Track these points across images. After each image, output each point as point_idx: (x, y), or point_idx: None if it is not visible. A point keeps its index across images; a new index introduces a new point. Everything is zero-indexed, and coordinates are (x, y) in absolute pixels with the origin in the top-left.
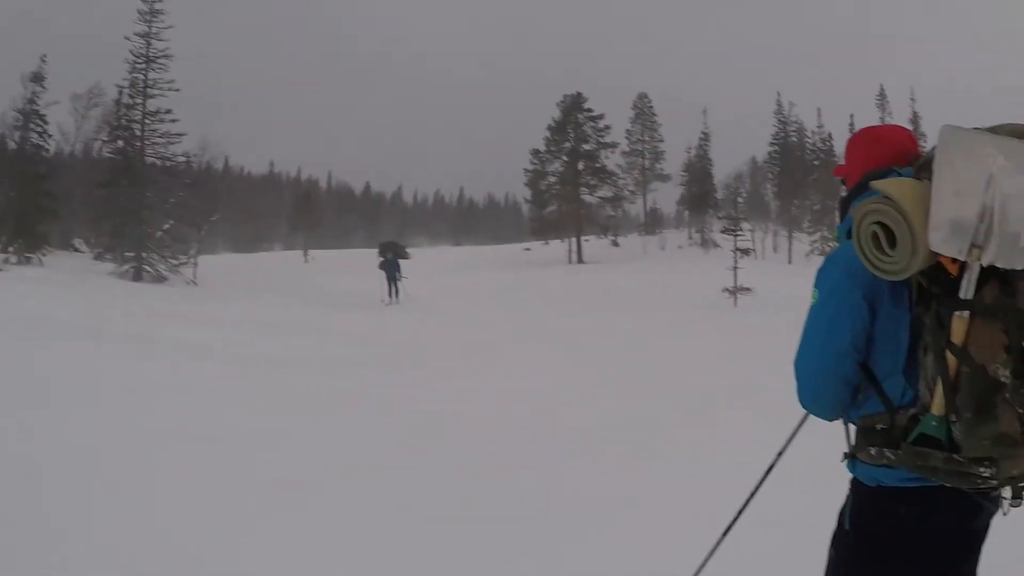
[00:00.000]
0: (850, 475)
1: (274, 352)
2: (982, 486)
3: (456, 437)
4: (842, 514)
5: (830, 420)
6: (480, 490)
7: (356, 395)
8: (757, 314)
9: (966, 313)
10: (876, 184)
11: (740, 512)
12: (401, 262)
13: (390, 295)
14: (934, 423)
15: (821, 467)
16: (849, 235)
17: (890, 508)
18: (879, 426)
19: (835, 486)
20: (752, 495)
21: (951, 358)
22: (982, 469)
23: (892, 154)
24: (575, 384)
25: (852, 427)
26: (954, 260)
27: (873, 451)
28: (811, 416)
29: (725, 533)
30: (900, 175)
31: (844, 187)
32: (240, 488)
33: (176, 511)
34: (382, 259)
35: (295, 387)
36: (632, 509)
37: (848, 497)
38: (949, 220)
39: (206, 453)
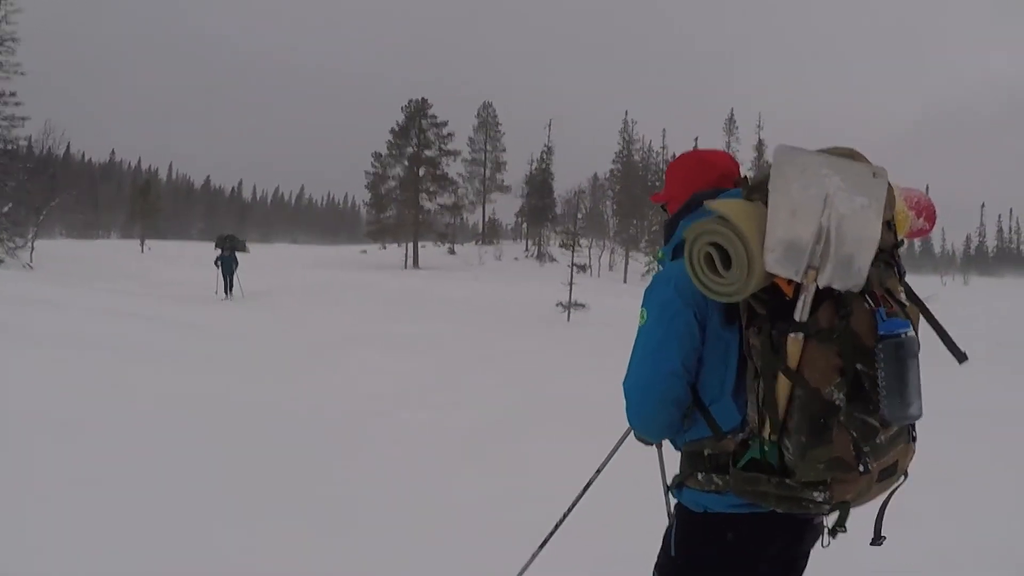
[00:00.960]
0: (673, 500)
1: (95, 338)
2: (813, 511)
3: (266, 435)
4: (667, 540)
5: (657, 441)
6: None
7: (179, 390)
8: (589, 329)
9: (801, 335)
10: (711, 204)
11: (557, 526)
12: (239, 255)
13: (226, 290)
14: (765, 448)
15: (642, 486)
16: (675, 256)
17: (717, 535)
18: (707, 451)
19: (653, 506)
20: (569, 510)
21: (783, 381)
22: (815, 494)
23: (717, 176)
24: (408, 389)
25: (673, 452)
26: (789, 282)
27: (701, 476)
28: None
29: (542, 545)
30: (728, 196)
31: (665, 211)
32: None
33: None
34: (219, 252)
35: (106, 375)
36: (452, 518)
37: (672, 523)
38: (785, 241)
39: None
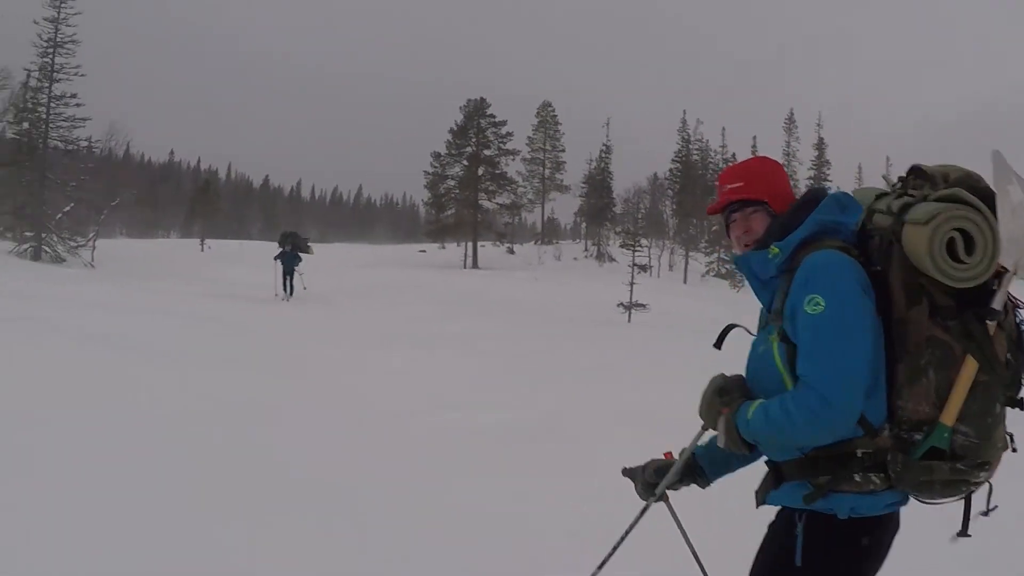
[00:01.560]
0: (782, 508)
1: (164, 340)
2: (964, 493)
3: (310, 435)
4: (785, 550)
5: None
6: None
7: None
8: (650, 331)
9: (994, 323)
10: (959, 192)
11: (615, 548)
12: (301, 256)
13: (285, 289)
14: (945, 434)
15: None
16: (803, 246)
17: (853, 540)
18: (859, 451)
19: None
20: (630, 528)
21: (971, 366)
22: (982, 474)
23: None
24: (469, 389)
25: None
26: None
27: (858, 478)
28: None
29: (611, 553)
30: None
31: (753, 208)
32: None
33: None
34: (280, 250)
35: (174, 379)
36: (517, 520)
37: (800, 535)
38: (1009, 235)
39: None
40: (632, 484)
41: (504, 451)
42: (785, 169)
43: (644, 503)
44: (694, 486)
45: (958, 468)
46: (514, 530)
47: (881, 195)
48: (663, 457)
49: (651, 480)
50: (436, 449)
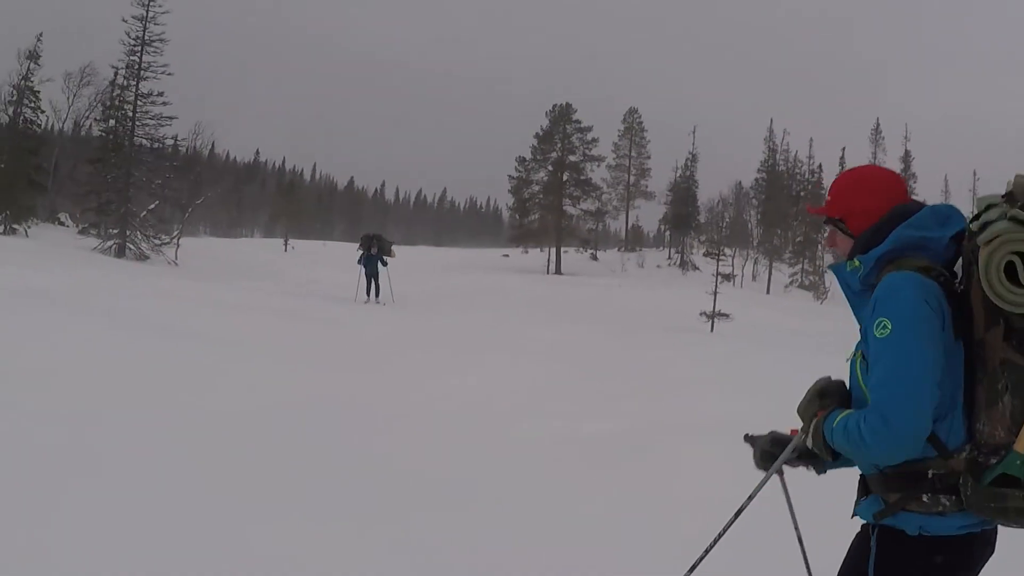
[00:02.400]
0: (864, 522)
1: (259, 337)
2: None
3: (426, 442)
4: (861, 561)
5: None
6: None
7: (335, 391)
8: (734, 341)
9: None
10: (1018, 211)
11: (707, 551)
12: (386, 259)
13: (368, 293)
14: (1018, 462)
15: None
16: (886, 262)
17: (926, 558)
18: (932, 472)
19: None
20: (721, 535)
21: None
22: None
23: (905, 190)
24: (541, 395)
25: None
26: None
27: (927, 498)
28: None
29: (694, 567)
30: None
31: (834, 224)
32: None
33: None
34: (362, 253)
35: (268, 376)
36: (603, 530)
37: (873, 548)
38: None
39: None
40: (751, 455)
41: (599, 461)
42: (890, 179)
43: (760, 481)
44: (811, 470)
45: None
46: (611, 538)
47: (990, 206)
48: (788, 432)
49: (768, 449)
50: (535, 456)
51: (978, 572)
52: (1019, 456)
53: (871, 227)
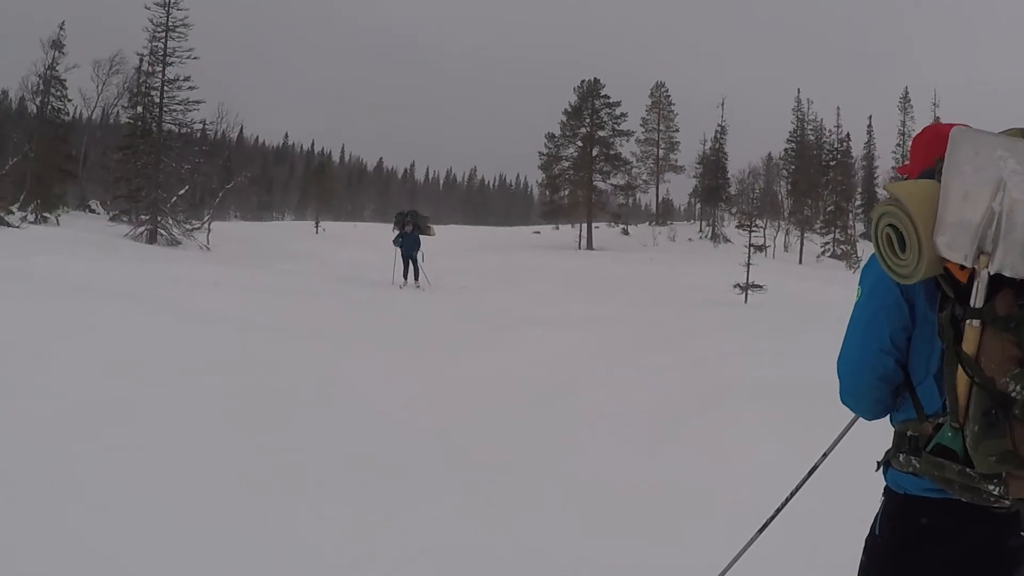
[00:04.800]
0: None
1: (302, 319)
2: (995, 504)
3: (464, 417)
4: (875, 520)
5: (871, 419)
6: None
7: (385, 373)
8: (768, 312)
9: (977, 322)
10: (888, 186)
11: (777, 511)
12: (423, 239)
13: (405, 276)
14: (949, 434)
15: (851, 469)
16: None
17: (913, 518)
18: (909, 433)
19: (864, 490)
20: (792, 494)
21: (961, 368)
22: (991, 487)
23: (938, 151)
24: (581, 369)
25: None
26: (962, 267)
27: (902, 458)
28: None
29: (760, 531)
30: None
31: None
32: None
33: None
34: (398, 233)
35: (321, 357)
36: (647, 501)
37: (881, 502)
38: (955, 224)
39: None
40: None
41: (647, 431)
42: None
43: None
44: None
45: (967, 473)
46: (670, 508)
47: None
48: None
49: None
50: (582, 429)
51: (998, 554)
52: (949, 428)
53: None
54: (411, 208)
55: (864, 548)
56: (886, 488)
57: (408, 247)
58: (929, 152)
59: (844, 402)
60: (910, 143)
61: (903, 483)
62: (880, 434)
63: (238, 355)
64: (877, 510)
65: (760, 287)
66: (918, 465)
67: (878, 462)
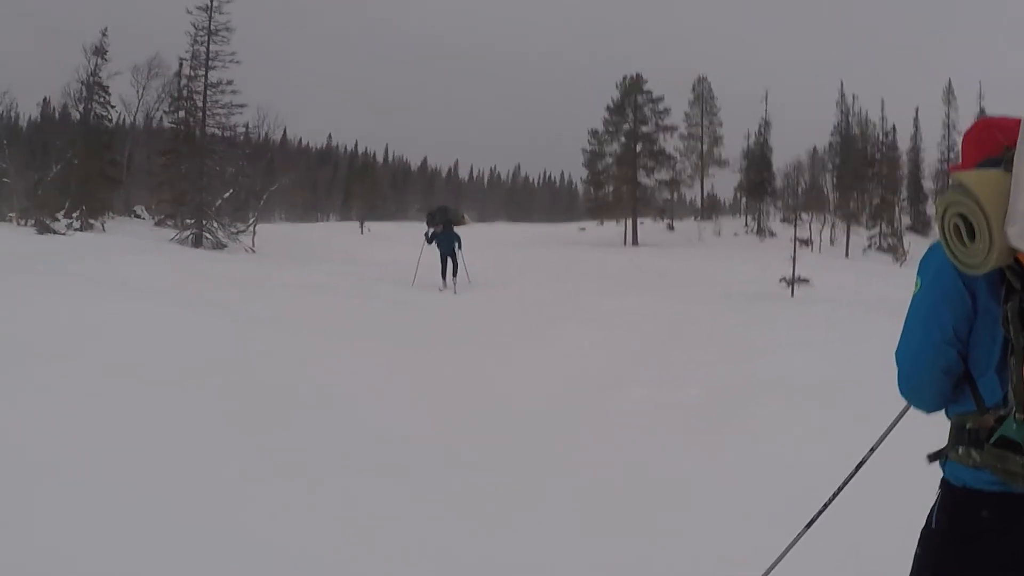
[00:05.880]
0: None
1: (355, 321)
2: None
3: (508, 416)
4: (931, 512)
5: (929, 412)
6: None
7: (436, 372)
8: (815, 305)
9: None
10: (958, 174)
11: (826, 505)
12: (458, 231)
13: (444, 277)
14: (1014, 426)
15: (904, 462)
16: None
17: (973, 511)
18: (968, 425)
19: (910, 483)
20: (841, 488)
21: None
22: None
23: (1004, 141)
24: (643, 364)
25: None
26: None
27: (961, 450)
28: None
29: (808, 525)
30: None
31: None
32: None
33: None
34: (430, 231)
35: (374, 358)
36: (693, 494)
37: (938, 495)
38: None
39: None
40: None
41: (693, 425)
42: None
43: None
44: None
45: None
46: (717, 500)
47: None
48: None
49: None
50: (630, 423)
51: None
52: (1014, 420)
53: None
54: (440, 205)
55: (919, 540)
56: (943, 481)
57: (445, 246)
58: (982, 146)
59: (903, 394)
60: (961, 138)
61: (962, 476)
62: (924, 427)
63: (280, 352)
64: (933, 502)
65: (806, 281)
66: (979, 458)
67: (929, 455)
